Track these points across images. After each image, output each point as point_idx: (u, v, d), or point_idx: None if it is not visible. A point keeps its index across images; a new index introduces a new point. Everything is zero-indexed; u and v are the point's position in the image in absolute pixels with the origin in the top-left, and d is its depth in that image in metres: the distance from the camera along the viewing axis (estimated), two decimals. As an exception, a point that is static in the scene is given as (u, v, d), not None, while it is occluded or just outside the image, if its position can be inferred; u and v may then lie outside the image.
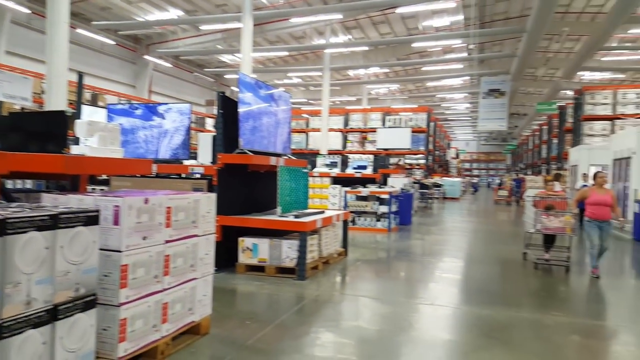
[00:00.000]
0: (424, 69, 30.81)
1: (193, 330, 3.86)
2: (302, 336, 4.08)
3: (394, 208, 11.18)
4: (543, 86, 34.00)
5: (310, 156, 15.22)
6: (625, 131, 13.81)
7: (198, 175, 6.90)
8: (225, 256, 6.34)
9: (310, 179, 12.18)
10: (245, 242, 6.32)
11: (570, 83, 28.05)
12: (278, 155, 7.14)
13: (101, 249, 2.94)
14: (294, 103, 25.32)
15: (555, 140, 25.72)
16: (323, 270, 6.62)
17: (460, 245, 10.18)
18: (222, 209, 6.24)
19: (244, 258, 6.32)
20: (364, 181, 12.32)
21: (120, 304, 3.02)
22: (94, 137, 3.52)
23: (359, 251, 8.37)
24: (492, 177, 53.24)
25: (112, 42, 21.82)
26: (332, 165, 13.74)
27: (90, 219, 2.74)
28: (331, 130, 23.11)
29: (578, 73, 27.78)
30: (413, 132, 19.93)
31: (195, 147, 12.29)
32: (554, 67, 30.04)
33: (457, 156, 41.49)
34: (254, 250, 6.27)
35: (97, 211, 2.79)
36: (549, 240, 7.56)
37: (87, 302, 2.75)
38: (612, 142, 13.54)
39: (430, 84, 34.78)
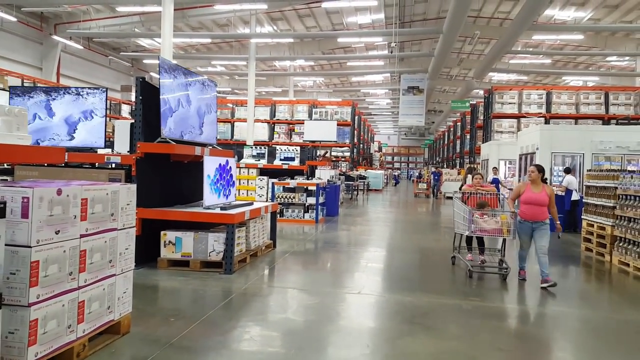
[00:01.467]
0: (348, 64, 31.42)
1: (112, 330, 3.63)
2: (230, 331, 4.00)
3: (321, 200, 11.32)
4: (457, 85, 36.22)
5: (236, 147, 14.91)
6: (530, 128, 15.13)
7: (113, 165, 6.48)
8: (146, 251, 6.03)
9: (237, 170, 11.95)
10: (168, 235, 6.06)
11: (482, 83, 30.16)
12: (203, 145, 6.91)
13: (7, 245, 2.65)
14: (218, 92, 24.61)
15: (468, 136, 27.54)
16: (251, 264, 6.54)
17: (384, 235, 10.57)
18: (142, 201, 5.91)
19: (166, 253, 6.05)
20: (292, 173, 12.34)
21: (30, 304, 2.76)
22: (-5, 121, 3.15)
23: (287, 243, 8.38)
24: (412, 170, 55.94)
25: (14, 19, 19.70)
26: (259, 156, 13.59)
27: (-7, 211, 2.46)
28: (257, 120, 22.81)
29: (488, 74, 29.92)
30: (339, 125, 20.28)
31: (110, 136, 11.52)
32: (466, 67, 32.09)
33: (380, 149, 42.99)
34: (177, 244, 6.03)
35: (3, 203, 2.51)
36: (481, 242, 6.83)
37: (-11, 304, 2.47)
38: (519, 138, 14.76)
39: (354, 79, 35.57)
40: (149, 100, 6.10)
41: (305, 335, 3.95)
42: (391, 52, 23.35)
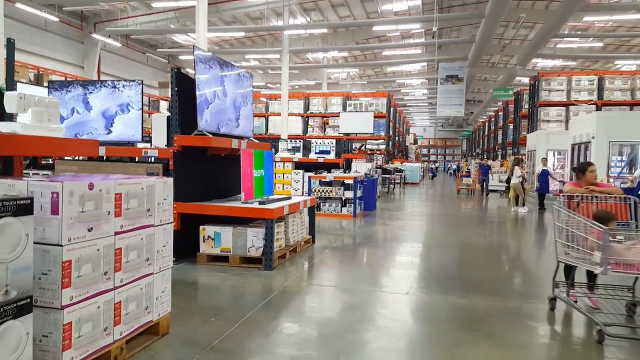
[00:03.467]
0: (383, 53, 30.76)
1: (151, 331, 3.44)
2: (272, 333, 3.75)
3: (358, 193, 10.98)
4: (498, 73, 34.89)
5: (270, 141, 14.77)
6: (585, 116, 14.22)
7: (152, 159, 6.37)
8: (185, 246, 5.89)
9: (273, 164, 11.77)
10: (207, 230, 5.88)
11: (525, 70, 28.86)
12: (240, 137, 6.70)
13: (37, 243, 2.47)
14: (252, 86, 24.60)
15: (510, 126, 26.42)
16: (290, 259, 6.29)
17: (426, 231, 10.13)
18: (180, 195, 5.78)
19: (205, 248, 5.88)
20: (327, 166, 12.06)
21: (63, 307, 2.58)
22: (27, 112, 2.99)
23: (326, 238, 8.10)
24: (449, 162, 54.57)
25: (56, 19, 20.26)
26: (294, 150, 13.36)
27: (22, 207, 2.27)
28: (291, 114, 22.63)
29: (532, 60, 28.58)
30: (374, 117, 19.82)
31: (149, 131, 11.57)
32: (509, 54, 30.75)
33: (416, 142, 42.09)
34: (216, 239, 5.85)
35: (30, 199, 2.32)
36: (592, 274, 4.31)
37: (20, 307, 2.29)
38: (571, 127, 13.89)
39: (389, 69, 34.86)
40: (185, 93, 5.93)
41: (350, 341, 3.65)
42: (432, 38, 22.53)
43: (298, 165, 12.94)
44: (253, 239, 5.77)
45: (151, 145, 7.13)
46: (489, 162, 21.92)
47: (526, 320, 4.21)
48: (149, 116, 16.37)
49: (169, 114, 6.14)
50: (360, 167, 12.79)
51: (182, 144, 5.79)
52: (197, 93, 5.72)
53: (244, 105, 7.08)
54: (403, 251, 7.58)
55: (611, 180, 11.23)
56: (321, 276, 5.89)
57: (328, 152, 13.16)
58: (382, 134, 22.17)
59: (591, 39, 26.93)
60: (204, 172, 6.47)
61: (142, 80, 6.60)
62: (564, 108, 19.87)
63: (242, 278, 5.29)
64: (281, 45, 23.87)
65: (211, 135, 5.82)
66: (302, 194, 14.12)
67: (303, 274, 5.74)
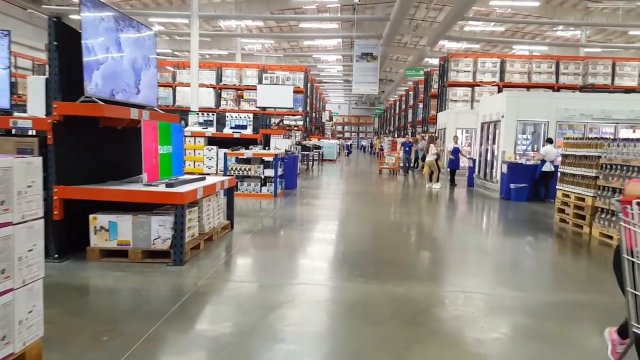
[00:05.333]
0: (300, 26, 29.86)
1: (12, 368, 2.50)
2: (186, 353, 2.99)
3: (279, 171, 10.27)
4: (409, 53, 35.69)
5: (179, 113, 13.44)
6: (495, 96, 14.72)
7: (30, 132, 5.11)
8: (71, 239, 4.81)
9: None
10: (99, 220, 4.83)
11: (433, 52, 29.73)
12: (141, 107, 5.62)
13: None
14: (157, 54, 22.47)
15: (421, 105, 27.18)
16: (206, 250, 5.46)
17: (353, 210, 9.73)
18: (62, 178, 4.67)
19: (97, 241, 4.84)
20: (244, 142, 11.17)
21: None
22: None
23: (245, 222, 7.32)
24: (362, 140, 55.67)
25: None
26: (207, 123, 12.24)
27: None
28: (202, 85, 21.06)
29: (439, 43, 29.48)
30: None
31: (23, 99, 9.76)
32: (419, 35, 31.48)
33: (331, 119, 42.07)
34: (111, 230, 4.83)
35: None
36: None
37: None
38: (481, 106, 14.31)
39: (305, 43, 34.08)
40: (69, 49, 4.73)
41: (284, 355, 3.02)
42: (354, 12, 22.01)
43: (211, 141, 11.88)
44: (159, 229, 4.85)
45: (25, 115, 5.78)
46: (411, 139, 21.59)
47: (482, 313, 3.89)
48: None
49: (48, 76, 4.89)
50: (280, 144, 12.06)
51: (64, 112, 4.63)
52: (84, 48, 4.56)
53: (145, 69, 5.96)
54: (330, 234, 7.08)
55: (516, 157, 11.71)
56: (242, 269, 5.16)
57: (245, 127, 12.22)
58: (300, 109, 21.54)
59: (492, 24, 28.38)
60: (95, 148, 5.33)
61: (10, 32, 5.22)
62: (470, 88, 20.75)
63: (146, 277, 4.39)
64: (190, 10, 21.89)
65: (103, 103, 4.72)
66: (217, 173, 13.08)
67: (221, 268, 4.95)
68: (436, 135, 17.37)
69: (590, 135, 11.35)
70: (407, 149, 19.15)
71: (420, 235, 7.56)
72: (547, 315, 3.85)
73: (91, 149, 5.27)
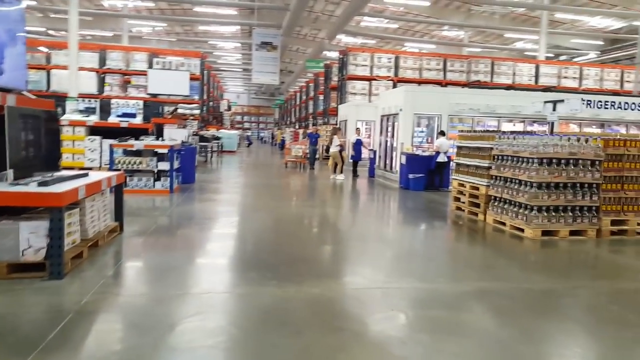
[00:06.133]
0: (194, 9, 28.23)
1: None
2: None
3: (176, 164, 9.46)
4: (308, 45, 35.80)
5: (55, 99, 11.83)
6: (394, 90, 15.18)
7: None
8: None
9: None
10: (-54, 229, 3.87)
11: (331, 45, 30.17)
12: (5, 90, 4.63)
13: None
14: (28, 32, 19.66)
15: (321, 97, 27.43)
16: (90, 259, 4.70)
17: (257, 206, 9.31)
18: None
19: (-56, 256, 3.87)
20: (133, 132, 10.14)
21: None
22: None
23: (137, 223, 6.54)
24: (263, 131, 54.93)
25: None
26: (88, 111, 10.95)
27: None
28: (83, 69, 18.88)
29: (337, 36, 29.97)
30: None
31: None
32: (318, 27, 31.68)
33: (230, 108, 40.75)
34: (-36, 241, 3.89)
35: None
36: None
37: None
38: (380, 99, 14.70)
39: (200, 27, 32.38)
40: None
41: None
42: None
43: (94, 131, 10.62)
44: (30, 237, 4.02)
45: None
46: (318, 130, 20.74)
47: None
48: None
49: None
50: (175, 134, 11.17)
51: None
52: None
53: (11, 45, 4.92)
54: (235, 232, 6.62)
55: (413, 148, 12.22)
56: (135, 280, 4.52)
57: (134, 116, 11.14)
58: (196, 97, 20.39)
59: (386, 21, 29.57)
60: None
61: None
62: (368, 82, 21.39)
63: (14, 297, 3.60)
64: (66, -17, 19.47)
65: (-54, 83, 3.74)
66: (100, 167, 11.76)
67: (109, 280, 4.27)
68: (339, 126, 17.53)
69: (477, 128, 12.27)
70: (313, 140, 18.23)
71: (328, 228, 7.43)
72: (462, 307, 3.88)
73: None
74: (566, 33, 26.87)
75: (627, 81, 22.55)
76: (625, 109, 10.91)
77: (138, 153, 9.34)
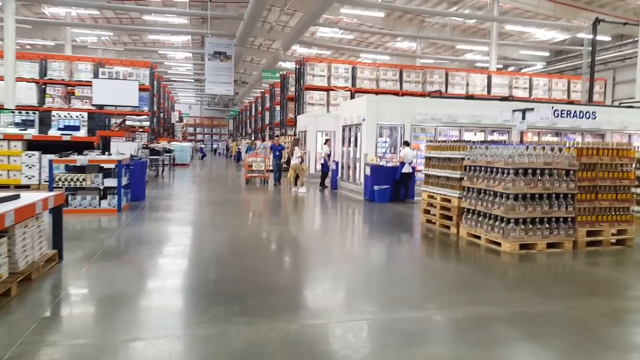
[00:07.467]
0: (144, 18, 27.07)
1: None
2: None
3: (124, 181, 8.62)
4: (262, 56, 35.29)
5: (-14, 111, 10.70)
6: (356, 100, 14.89)
7: None
8: None
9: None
10: None
11: (287, 55, 29.82)
12: None
13: None
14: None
15: (278, 108, 26.90)
16: (21, 297, 3.93)
17: (215, 223, 8.60)
18: None
19: None
20: (77, 146, 9.25)
21: None
22: None
23: (80, 248, 5.73)
24: (217, 142, 53.46)
25: None
26: (26, 124, 9.88)
27: None
28: (21, 79, 17.51)
29: (292, 47, 29.65)
30: (136, 88, 16.90)
31: None
32: (272, 38, 31.26)
33: (181, 120, 39.36)
34: None
35: None
36: None
37: None
38: (342, 109, 14.36)
39: (150, 37, 31.14)
40: None
41: None
42: (207, 5, 20.46)
43: (33, 145, 9.61)
44: (-64, 279, 3.23)
45: None
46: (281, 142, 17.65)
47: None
48: None
49: None
50: (124, 148, 10.30)
51: None
52: None
53: None
54: (195, 257, 5.93)
55: (377, 159, 11.92)
56: (75, 322, 3.77)
57: (77, 128, 10.23)
58: (146, 109, 19.35)
59: (341, 32, 29.59)
60: None
61: None
62: (326, 92, 21.11)
63: None
64: (0, -13, 18.01)
65: None
66: (39, 184, 10.67)
67: (43, 324, 3.52)
68: (299, 137, 17.05)
69: (439, 138, 12.15)
70: (277, 153, 15.64)
71: (298, 249, 6.88)
72: (457, 339, 3.46)
73: None
74: (514, 45, 27.89)
75: (573, 91, 23.58)
76: (580, 118, 11.13)
77: (82, 169, 8.44)
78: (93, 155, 8.58)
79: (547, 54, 29.45)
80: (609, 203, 6.66)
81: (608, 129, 13.09)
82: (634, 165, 6.95)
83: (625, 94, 22.96)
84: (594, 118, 11.11)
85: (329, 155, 14.28)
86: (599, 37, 19.72)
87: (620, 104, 18.82)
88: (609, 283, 5.29)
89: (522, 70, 29.58)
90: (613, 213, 6.70)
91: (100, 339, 3.34)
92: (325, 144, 14.95)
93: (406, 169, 10.94)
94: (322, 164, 14.53)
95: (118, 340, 3.28)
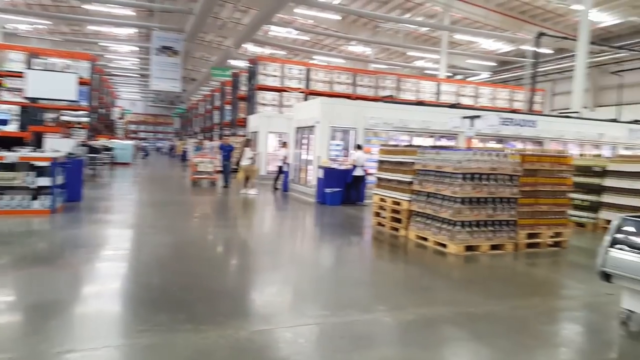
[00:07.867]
0: (84, 7, 25.63)
1: None
2: None
3: (59, 180, 8.03)
4: (213, 52, 34.46)
5: None
6: (309, 102, 14.77)
7: None
8: None
9: None
10: None
11: (238, 54, 29.27)
12: None
13: None
14: None
15: (228, 107, 26.34)
16: None
17: (161, 226, 8.19)
18: None
19: None
20: (6, 142, 8.47)
21: None
22: None
23: (6, 253, 5.24)
24: (162, 141, 51.59)
25: None
26: (-55, 115, 8.97)
27: None
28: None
29: (243, 45, 29.18)
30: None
31: None
32: (224, 35, 30.60)
33: (123, 116, 37.62)
34: None
35: None
36: None
37: None
38: (296, 111, 14.23)
39: (90, 27, 29.53)
40: None
41: None
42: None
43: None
44: None
45: None
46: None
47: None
48: None
49: None
50: (59, 145, 9.62)
51: None
52: None
53: None
54: (136, 261, 5.58)
55: (330, 162, 11.90)
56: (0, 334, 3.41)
57: (4, 123, 9.46)
58: (84, 103, 18.30)
59: (296, 33, 29.48)
60: None
61: None
62: (279, 93, 20.90)
63: None
64: None
65: None
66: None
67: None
68: (250, 138, 16.71)
69: (390, 142, 12.31)
70: (226, 153, 14.89)
71: (248, 252, 6.67)
72: (408, 341, 3.44)
73: None
74: (462, 54, 28.94)
75: (515, 100, 24.81)
76: (522, 126, 11.69)
77: (11, 167, 7.76)
78: (24, 152, 7.92)
79: (493, 63, 30.82)
80: (548, 207, 6.99)
81: (547, 137, 13.81)
82: (570, 171, 7.34)
83: (563, 105, 24.49)
84: (535, 126, 11.66)
85: (286, 158, 14.12)
86: (541, 50, 20.84)
87: (559, 113, 20.00)
88: (547, 283, 5.54)
89: (469, 79, 30.78)
90: (551, 216, 7.03)
91: (30, 351, 3.02)
92: (283, 146, 14.76)
93: (358, 172, 10.98)
94: (279, 166, 14.37)
95: (51, 352, 2.98)
